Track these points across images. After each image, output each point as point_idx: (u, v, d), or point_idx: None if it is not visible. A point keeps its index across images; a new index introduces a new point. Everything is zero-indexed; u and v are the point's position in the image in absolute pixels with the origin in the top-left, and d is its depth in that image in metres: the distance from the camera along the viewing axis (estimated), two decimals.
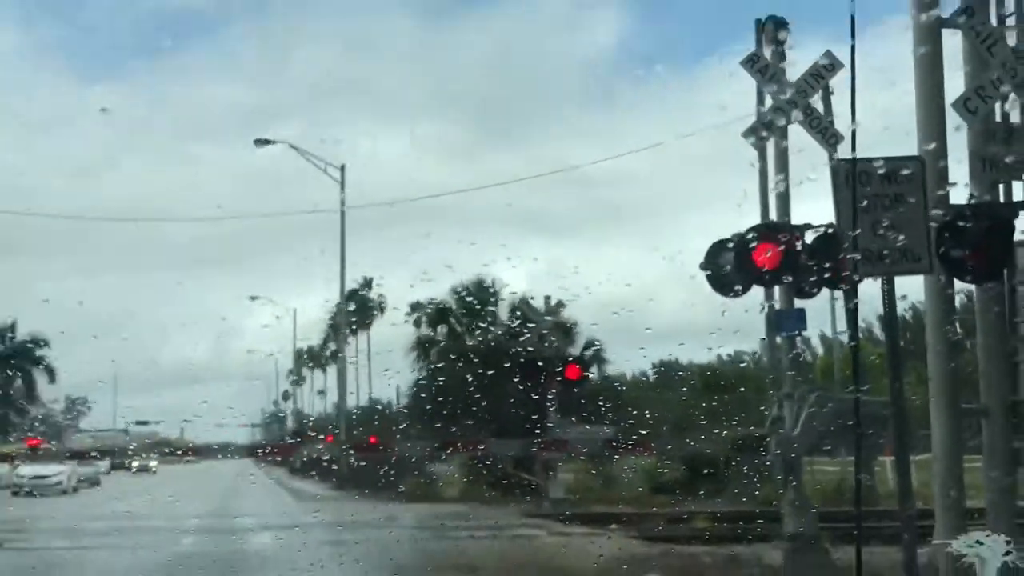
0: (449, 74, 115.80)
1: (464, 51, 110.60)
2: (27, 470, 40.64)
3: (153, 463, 64.93)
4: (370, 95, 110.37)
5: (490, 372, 29.81)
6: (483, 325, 38.28)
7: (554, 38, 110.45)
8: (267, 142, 40.02)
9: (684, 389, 36.38)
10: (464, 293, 37.58)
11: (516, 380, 29.55)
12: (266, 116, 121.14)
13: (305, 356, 78.18)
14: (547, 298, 33.17)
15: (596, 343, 35.22)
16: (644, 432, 24.34)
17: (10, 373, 61.76)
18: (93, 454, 44.16)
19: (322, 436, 52.28)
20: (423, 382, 37.97)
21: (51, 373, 63.77)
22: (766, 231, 13.97)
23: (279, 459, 65.44)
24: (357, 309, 62.35)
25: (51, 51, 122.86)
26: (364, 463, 35.68)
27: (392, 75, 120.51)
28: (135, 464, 63.21)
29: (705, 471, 28.14)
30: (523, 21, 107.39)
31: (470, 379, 30.69)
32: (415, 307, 43.83)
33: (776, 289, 14.97)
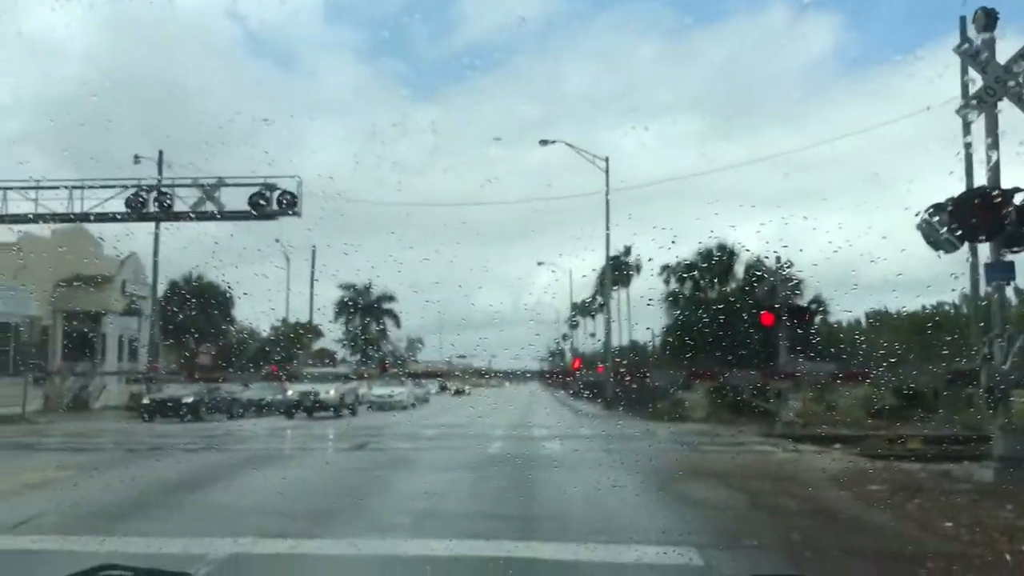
0: (686, 80, 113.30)
1: (698, 59, 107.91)
2: (377, 390, 43.36)
3: (467, 387, 68.16)
4: (625, 100, 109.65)
5: (729, 318, 29.12)
6: (722, 281, 37.46)
7: (773, 43, 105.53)
8: (548, 142, 40.51)
9: (895, 332, 34.13)
10: (707, 254, 36.85)
11: (752, 324, 28.68)
12: (545, 123, 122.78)
13: (579, 307, 79.15)
14: (778, 258, 32.08)
15: (819, 295, 33.77)
16: (862, 367, 23.12)
17: (368, 320, 66.33)
18: (425, 379, 46.52)
19: (590, 369, 52.61)
20: (673, 327, 37.55)
21: (396, 319, 68.01)
22: (978, 194, 12.79)
23: (560, 385, 66.88)
24: (618, 270, 62.29)
25: (391, 79, 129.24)
26: (626, 390, 35.78)
27: (641, 83, 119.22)
28: (453, 387, 66.51)
29: (917, 400, 26.46)
30: (748, 31, 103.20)
31: (712, 324, 30.06)
32: (665, 268, 43.35)
33: (982, 246, 13.78)
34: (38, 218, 30.99)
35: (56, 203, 30.13)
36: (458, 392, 64.86)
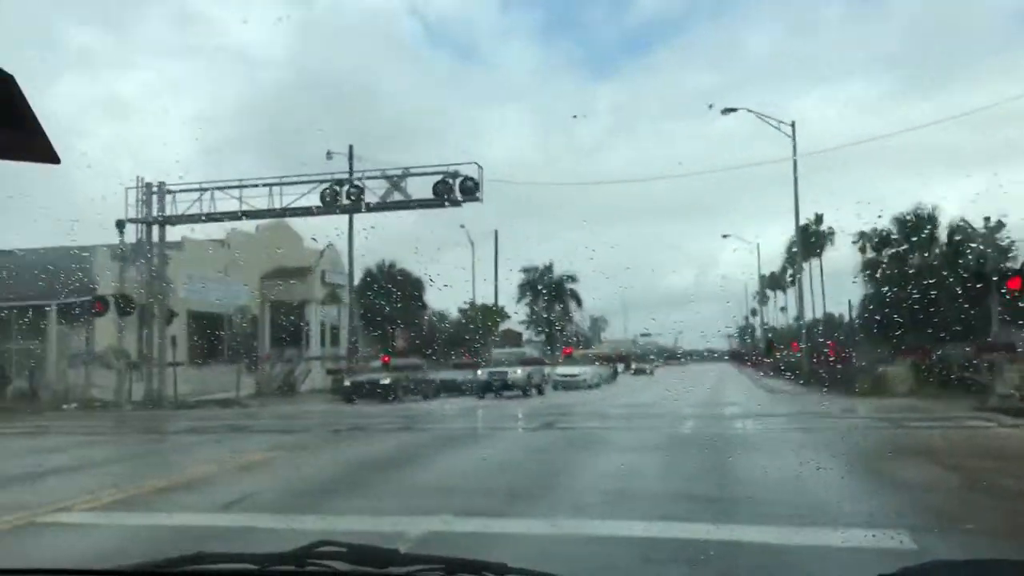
0: (867, 42, 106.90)
1: (877, 25, 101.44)
2: (562, 370, 43.68)
3: (649, 366, 67.26)
4: (810, 63, 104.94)
5: (932, 288, 27.23)
6: (924, 248, 35.02)
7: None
8: (731, 110, 39.28)
9: None
10: (906, 220, 34.57)
11: (958, 293, 26.68)
12: (726, 92, 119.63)
13: (768, 280, 76.53)
14: (986, 219, 29.62)
15: None
16: None
17: (551, 300, 67.00)
18: (609, 359, 46.50)
19: (783, 346, 50.81)
20: (872, 298, 35.56)
21: (578, 300, 68.34)
22: None
23: (750, 363, 64.98)
24: (809, 239, 59.68)
25: (567, 60, 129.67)
26: (824, 366, 34.22)
27: (828, 44, 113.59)
28: (635, 366, 65.84)
29: None
30: None
31: (916, 294, 28.20)
32: (861, 235, 41.19)
33: None
34: (243, 215, 33.14)
35: (259, 200, 32.13)
36: (642, 371, 64.30)
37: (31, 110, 0.90)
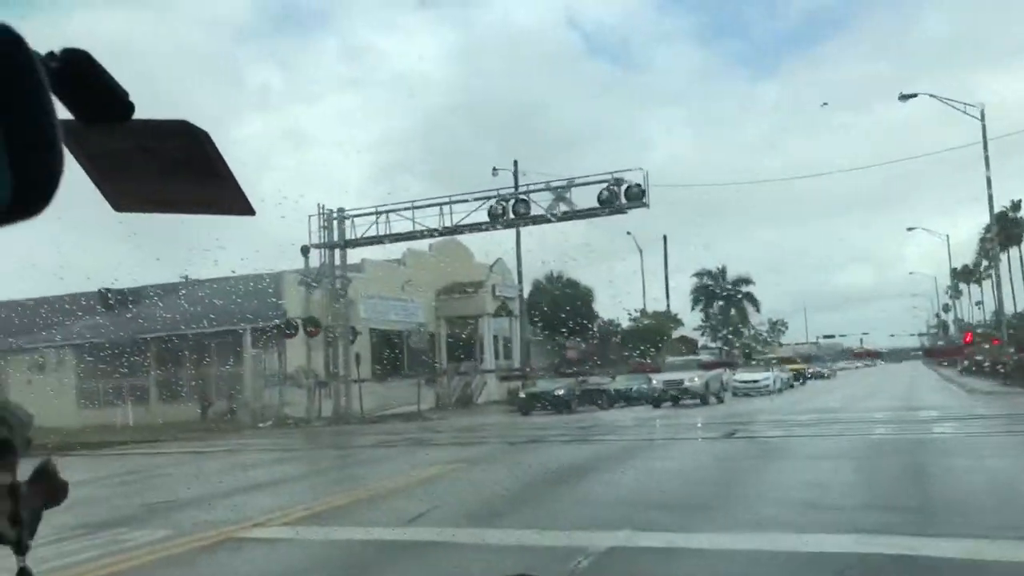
0: None
1: None
2: (741, 376, 42.45)
3: (834, 368, 63.25)
4: (997, 41, 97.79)
5: None
6: None
7: None
8: (909, 96, 37.14)
9: None
10: None
11: None
12: (899, 79, 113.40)
13: (959, 273, 71.73)
14: None
15: None
16: None
17: (726, 305, 65.51)
18: (790, 363, 44.87)
19: (981, 342, 47.38)
20: None
21: (755, 303, 66.45)
22: None
23: (945, 362, 60.90)
24: (1006, 228, 55.51)
25: (728, 60, 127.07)
26: None
27: (1011, 21, 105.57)
28: (818, 369, 61.97)
29: None
30: None
31: None
32: None
33: None
34: (417, 235, 34.24)
35: (430, 219, 33.09)
36: (825, 375, 61.31)
37: (227, 166, 0.94)
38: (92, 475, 15.55)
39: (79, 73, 0.70)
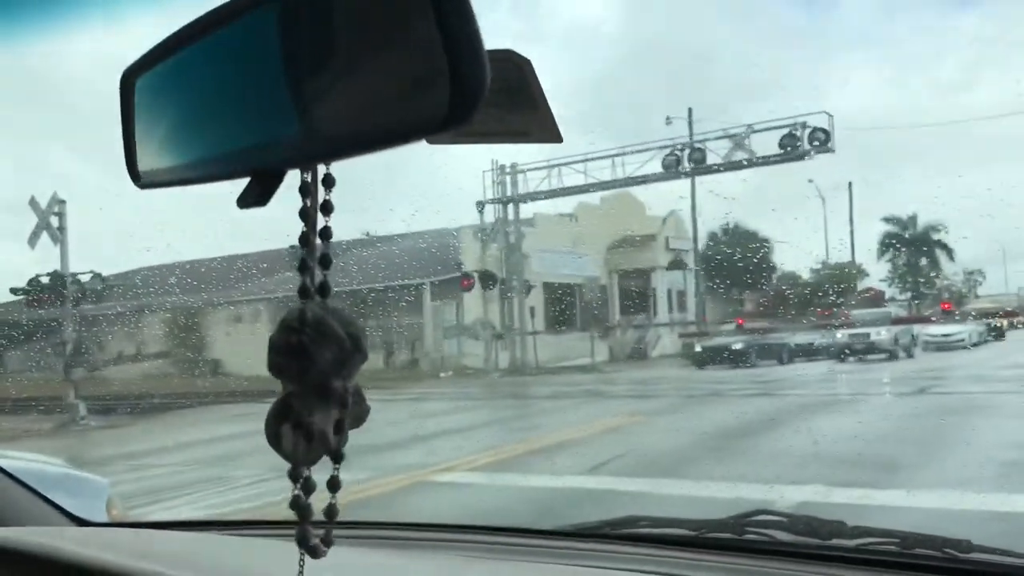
0: None
1: None
2: (934, 330, 40.12)
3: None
4: None
5: None
6: None
7: None
8: None
9: None
10: None
11: None
12: None
13: None
14: None
15: None
16: None
17: (916, 254, 62.10)
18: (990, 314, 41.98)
19: None
20: None
21: (949, 252, 62.54)
22: None
23: None
24: None
25: None
26: None
27: None
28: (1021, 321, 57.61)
29: None
30: None
31: None
32: None
33: None
34: (588, 188, 34.27)
35: (603, 172, 33.01)
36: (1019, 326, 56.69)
37: (544, 95, 0.94)
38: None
39: None
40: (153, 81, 0.79)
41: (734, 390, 21.64)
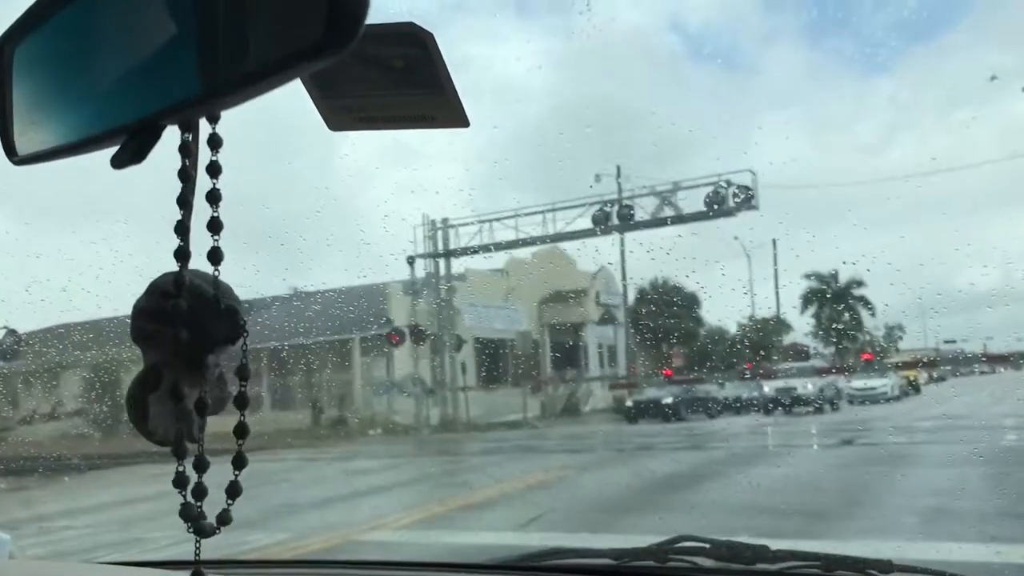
0: None
1: None
2: (857, 383, 41.04)
3: (954, 374, 60.26)
4: None
5: None
6: None
7: None
8: None
9: None
10: None
11: None
12: (1018, 74, 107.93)
13: None
14: None
15: None
16: None
17: (838, 309, 63.65)
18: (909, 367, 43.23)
19: None
20: None
21: (869, 307, 64.26)
22: None
23: None
24: None
25: (838, 58, 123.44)
26: None
27: None
28: (939, 374, 59.34)
29: None
30: None
31: None
32: None
33: None
34: (519, 243, 34.49)
35: (533, 228, 33.27)
36: (944, 379, 58.48)
37: (448, 72, 0.88)
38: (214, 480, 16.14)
39: None
40: (29, 47, 0.73)
41: (664, 443, 21.75)
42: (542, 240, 34.41)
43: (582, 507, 11.12)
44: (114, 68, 0.67)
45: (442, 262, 35.28)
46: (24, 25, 0.73)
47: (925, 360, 47.67)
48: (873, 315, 65.14)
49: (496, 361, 39.86)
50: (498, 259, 39.62)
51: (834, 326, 62.74)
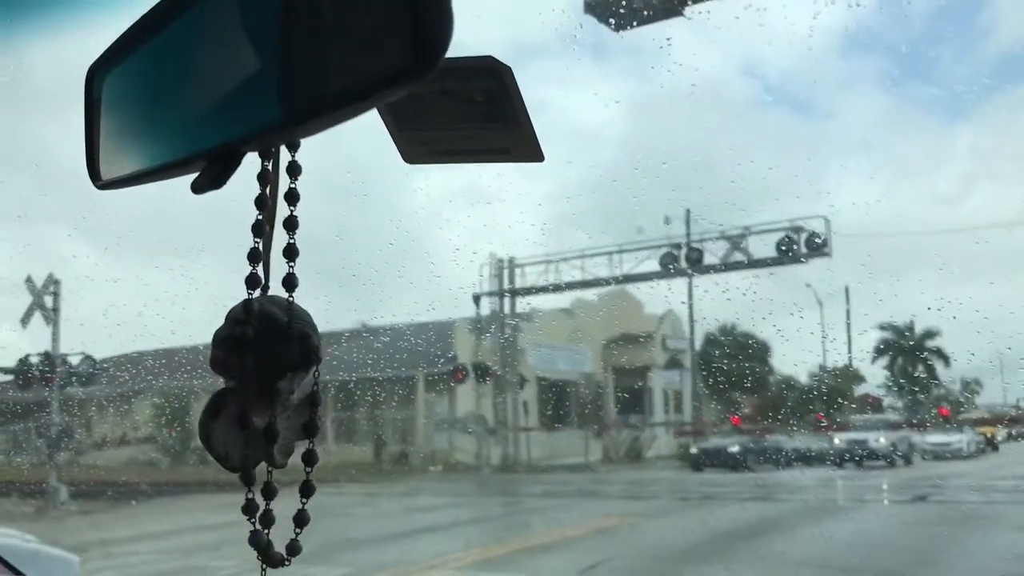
0: None
1: None
2: (932, 438, 39.71)
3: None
4: None
5: None
6: None
7: None
8: None
9: None
10: None
11: None
12: None
13: None
14: None
15: None
16: None
17: (913, 361, 61.92)
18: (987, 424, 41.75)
19: None
20: None
21: (945, 359, 62.37)
22: None
23: None
24: None
25: (919, 105, 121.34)
26: None
27: None
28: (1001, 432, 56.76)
29: None
30: None
31: None
32: None
33: None
34: (586, 284, 34.41)
35: (600, 269, 33.20)
36: (1015, 437, 56.12)
37: (525, 106, 0.87)
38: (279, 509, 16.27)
39: None
40: (117, 76, 0.75)
41: (730, 493, 21.28)
42: (609, 281, 34.28)
43: (644, 555, 10.91)
44: (196, 96, 0.68)
45: (508, 300, 35.37)
46: (112, 56, 0.75)
47: (1005, 418, 45.99)
48: (948, 367, 63.19)
49: (559, 402, 39.64)
50: (564, 299, 39.55)
51: (908, 378, 61.02)
